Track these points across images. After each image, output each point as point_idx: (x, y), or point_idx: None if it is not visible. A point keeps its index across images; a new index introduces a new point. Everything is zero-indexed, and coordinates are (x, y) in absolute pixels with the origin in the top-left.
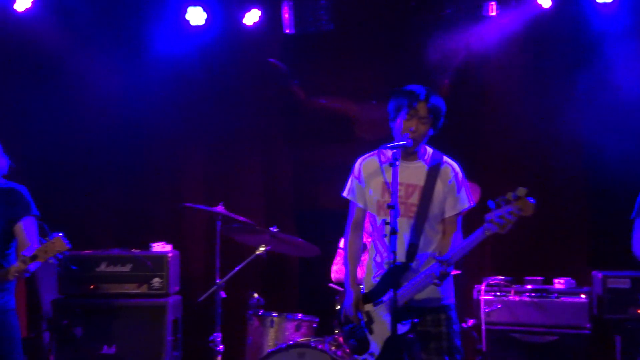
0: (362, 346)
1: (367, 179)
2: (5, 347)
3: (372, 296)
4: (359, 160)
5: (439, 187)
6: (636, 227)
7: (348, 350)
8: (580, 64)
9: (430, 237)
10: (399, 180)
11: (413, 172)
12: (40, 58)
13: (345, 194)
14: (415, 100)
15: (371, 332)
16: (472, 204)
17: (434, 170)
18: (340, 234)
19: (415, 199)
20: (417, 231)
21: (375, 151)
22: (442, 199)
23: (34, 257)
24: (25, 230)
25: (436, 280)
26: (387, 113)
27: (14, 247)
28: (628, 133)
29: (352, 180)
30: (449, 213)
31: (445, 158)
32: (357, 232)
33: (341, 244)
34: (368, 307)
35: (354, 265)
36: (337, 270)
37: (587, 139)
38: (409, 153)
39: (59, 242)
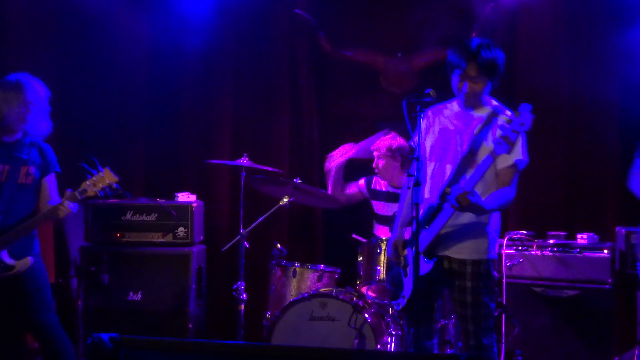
0: (399, 289)
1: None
2: (37, 287)
3: (410, 241)
4: (423, 113)
5: (489, 137)
6: (636, 164)
7: (369, 301)
8: (620, 18)
9: (476, 189)
10: (452, 127)
11: (470, 121)
12: (77, 18)
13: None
14: (465, 61)
15: (405, 275)
16: (524, 159)
17: (489, 120)
18: None
19: (464, 146)
20: (457, 175)
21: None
22: (493, 150)
23: (83, 192)
24: (49, 185)
25: (454, 204)
26: (413, 65)
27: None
28: None
29: (417, 136)
30: (501, 165)
31: (507, 111)
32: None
33: (360, 182)
34: (405, 252)
35: (406, 211)
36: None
37: (623, 95)
38: (471, 103)
39: (108, 174)
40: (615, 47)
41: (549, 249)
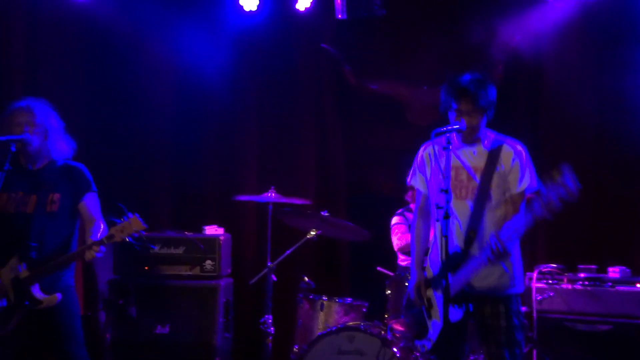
0: (423, 330)
1: (429, 165)
2: (68, 321)
3: (434, 281)
4: (422, 148)
5: (500, 169)
6: None
7: (398, 335)
8: None
9: (490, 222)
10: (460, 164)
11: (474, 156)
12: (99, 42)
13: (409, 180)
14: (457, 98)
15: (429, 317)
16: (535, 186)
17: (495, 152)
18: (391, 217)
19: (475, 182)
20: (476, 214)
21: (440, 138)
22: (503, 181)
23: (110, 237)
24: (88, 207)
25: (490, 257)
26: (438, 98)
27: (78, 223)
28: None
29: (415, 168)
30: (511, 192)
31: (509, 140)
32: (422, 218)
33: (393, 220)
34: (429, 292)
35: (419, 249)
36: (398, 238)
37: None
38: (470, 138)
39: (136, 222)
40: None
41: (580, 282)
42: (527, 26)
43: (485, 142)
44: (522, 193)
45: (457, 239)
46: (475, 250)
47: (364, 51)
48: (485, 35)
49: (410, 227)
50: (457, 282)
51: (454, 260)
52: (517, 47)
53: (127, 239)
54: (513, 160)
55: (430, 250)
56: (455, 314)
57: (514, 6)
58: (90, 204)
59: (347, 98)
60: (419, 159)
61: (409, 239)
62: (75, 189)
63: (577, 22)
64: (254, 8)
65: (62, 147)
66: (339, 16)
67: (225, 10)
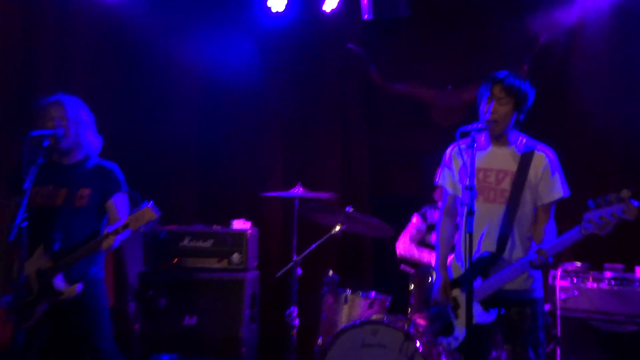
0: (447, 329)
1: (456, 165)
2: (94, 314)
3: (461, 282)
4: (450, 148)
5: (531, 174)
6: None
7: (421, 330)
8: None
9: (523, 227)
10: (490, 165)
11: (504, 158)
12: (129, 41)
13: (437, 180)
14: (491, 82)
15: (457, 317)
16: (566, 193)
17: (527, 156)
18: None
19: (506, 185)
20: (508, 219)
21: (467, 138)
22: (535, 186)
23: (124, 226)
24: (116, 205)
25: (532, 270)
26: (463, 99)
27: (105, 221)
28: None
29: (443, 168)
30: (543, 201)
31: (540, 145)
32: (448, 218)
33: (414, 219)
34: (455, 292)
35: (444, 249)
36: (402, 246)
37: None
38: (500, 139)
39: (149, 212)
40: None
41: (606, 281)
42: (554, 24)
43: (516, 145)
44: (553, 202)
45: (488, 241)
46: (507, 255)
47: (389, 52)
48: (511, 35)
49: (419, 232)
50: (490, 286)
51: (484, 263)
52: (544, 46)
53: (141, 228)
54: (544, 167)
55: (455, 249)
56: (487, 317)
57: (540, 5)
58: (118, 203)
59: (372, 98)
60: (446, 158)
61: (411, 252)
62: (106, 187)
63: (608, 20)
64: (282, 9)
65: (93, 141)
66: (365, 17)
67: (254, 11)
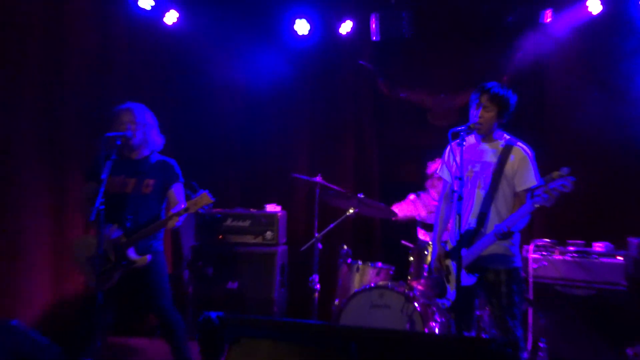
0: (443, 292)
1: (451, 159)
2: (158, 279)
3: (452, 253)
4: (449, 146)
5: (509, 165)
6: None
7: (418, 293)
8: (627, 62)
9: (500, 207)
10: (477, 158)
11: (489, 153)
12: (186, 60)
13: (438, 172)
14: (480, 92)
15: (448, 281)
16: (539, 183)
17: (506, 150)
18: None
19: (488, 174)
20: (487, 201)
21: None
22: (512, 176)
23: (186, 209)
24: (175, 193)
25: (499, 237)
26: (455, 104)
27: (165, 205)
28: None
29: (442, 164)
30: (518, 188)
31: (519, 142)
32: (446, 202)
33: (411, 197)
34: (447, 261)
35: (441, 227)
36: (398, 209)
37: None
38: (487, 137)
39: (205, 197)
40: (628, 89)
41: (569, 254)
42: (528, 43)
43: (500, 142)
44: (526, 190)
45: (472, 219)
46: (485, 230)
47: (394, 66)
48: (493, 51)
49: (413, 203)
50: (471, 254)
51: (467, 237)
52: (520, 61)
53: (199, 210)
54: (522, 161)
55: (450, 228)
56: (469, 280)
57: (517, 28)
58: (177, 191)
59: (381, 104)
60: (445, 155)
61: (407, 212)
62: (167, 178)
63: (573, 39)
64: (306, 32)
65: (157, 140)
66: (374, 38)
67: (283, 34)
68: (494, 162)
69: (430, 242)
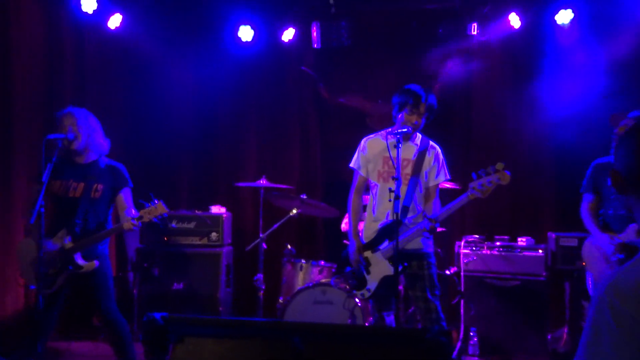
0: (360, 284)
1: (371, 153)
2: (103, 282)
3: (371, 245)
4: (365, 139)
5: (425, 162)
6: (583, 199)
7: (348, 287)
8: (544, 71)
9: (418, 200)
10: (400, 156)
11: (408, 150)
12: (130, 63)
13: (351, 164)
14: (418, 101)
15: (368, 272)
16: (448, 178)
17: (422, 149)
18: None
19: (409, 170)
20: (409, 195)
21: (381, 132)
22: (427, 171)
23: (140, 218)
24: (124, 198)
25: (425, 233)
26: (391, 109)
27: (112, 210)
28: (587, 126)
29: (358, 154)
30: (431, 183)
31: (431, 142)
32: (358, 195)
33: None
34: (367, 253)
35: (355, 221)
36: (345, 223)
37: (554, 129)
38: (408, 137)
39: (160, 207)
40: (545, 92)
41: (496, 249)
42: (457, 53)
43: (417, 141)
44: (437, 184)
45: (392, 212)
46: (407, 221)
47: (334, 73)
48: (425, 61)
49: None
50: (395, 246)
51: (389, 229)
52: (450, 69)
53: (154, 220)
54: (434, 158)
55: (367, 218)
56: (392, 270)
57: (447, 39)
58: (126, 196)
59: (323, 108)
60: (362, 146)
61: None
62: (116, 183)
63: (498, 49)
64: (250, 39)
65: (102, 143)
66: (315, 46)
67: (227, 40)
68: (412, 159)
69: None
